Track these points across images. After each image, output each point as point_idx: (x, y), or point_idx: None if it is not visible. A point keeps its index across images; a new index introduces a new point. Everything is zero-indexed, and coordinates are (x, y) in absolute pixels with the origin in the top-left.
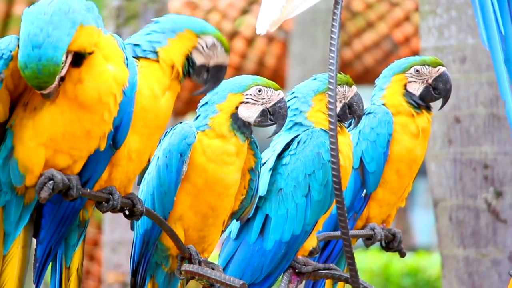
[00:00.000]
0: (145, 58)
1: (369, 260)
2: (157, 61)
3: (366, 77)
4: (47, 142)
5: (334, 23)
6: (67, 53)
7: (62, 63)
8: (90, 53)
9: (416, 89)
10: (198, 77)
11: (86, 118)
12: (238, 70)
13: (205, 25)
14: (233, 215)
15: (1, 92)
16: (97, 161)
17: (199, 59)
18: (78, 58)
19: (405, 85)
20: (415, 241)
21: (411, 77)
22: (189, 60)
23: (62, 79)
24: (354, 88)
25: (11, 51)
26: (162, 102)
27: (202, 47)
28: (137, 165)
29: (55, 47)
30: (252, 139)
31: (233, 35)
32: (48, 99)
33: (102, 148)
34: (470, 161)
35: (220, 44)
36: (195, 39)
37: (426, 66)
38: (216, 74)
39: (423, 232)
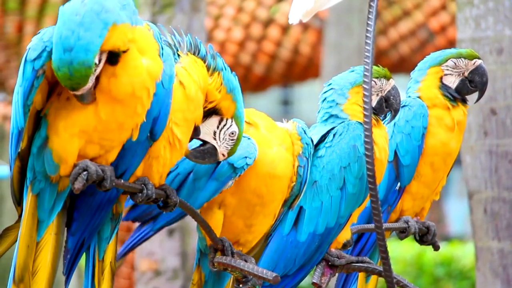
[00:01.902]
0: (193, 54)
1: (402, 250)
2: (204, 60)
3: (402, 66)
4: (80, 132)
5: (370, 16)
6: (101, 53)
7: (95, 65)
8: (124, 51)
9: (452, 82)
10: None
11: (119, 111)
12: (273, 58)
13: (243, 119)
14: (285, 203)
15: (42, 82)
16: (133, 153)
17: (210, 125)
18: (114, 56)
19: (441, 78)
20: (448, 230)
21: (447, 69)
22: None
23: (97, 78)
24: (392, 82)
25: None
26: (202, 97)
27: (224, 125)
28: (179, 155)
29: (87, 50)
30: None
31: (268, 22)
32: (82, 101)
33: (134, 138)
34: (505, 153)
35: (234, 141)
36: (230, 114)
37: (462, 59)
38: (205, 153)
39: (457, 222)
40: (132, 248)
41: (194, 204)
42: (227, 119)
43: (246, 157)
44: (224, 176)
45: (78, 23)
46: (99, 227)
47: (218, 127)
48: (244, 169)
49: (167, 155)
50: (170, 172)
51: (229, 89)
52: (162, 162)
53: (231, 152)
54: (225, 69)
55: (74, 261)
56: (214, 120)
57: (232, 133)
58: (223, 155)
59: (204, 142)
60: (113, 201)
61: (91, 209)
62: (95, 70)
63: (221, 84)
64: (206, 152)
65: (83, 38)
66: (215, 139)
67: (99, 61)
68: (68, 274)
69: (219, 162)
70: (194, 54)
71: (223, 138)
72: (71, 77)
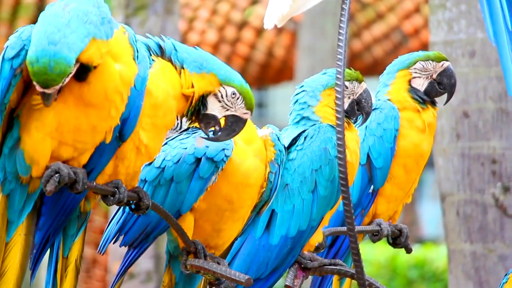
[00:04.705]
0: (161, 56)
1: (376, 252)
2: (176, 68)
3: (375, 69)
4: (52, 134)
5: (342, 19)
6: (76, 61)
7: (72, 68)
8: (95, 67)
9: (421, 84)
10: (205, 125)
11: (92, 114)
12: (247, 61)
13: (230, 75)
14: (254, 208)
15: (19, 81)
16: (101, 153)
17: (213, 106)
18: (84, 71)
19: (409, 81)
20: (422, 233)
21: (416, 72)
22: (202, 101)
23: (60, 88)
24: (364, 85)
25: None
26: (173, 103)
27: (222, 95)
28: (145, 159)
29: (70, 48)
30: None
31: (242, 25)
32: (46, 102)
33: (107, 141)
34: (478, 156)
35: (241, 97)
36: (217, 85)
37: (430, 61)
38: (231, 125)
39: (431, 224)
40: (130, 265)
41: (183, 208)
42: (218, 90)
43: (223, 149)
44: (208, 173)
45: (64, 24)
46: (65, 224)
47: (219, 101)
48: (225, 161)
49: (133, 158)
50: (157, 186)
51: (198, 70)
52: (127, 164)
53: (248, 106)
54: (176, 50)
55: (39, 256)
56: (210, 100)
57: (233, 94)
58: (244, 113)
59: (225, 118)
60: (81, 198)
61: (58, 205)
62: (67, 76)
63: (191, 82)
64: (231, 125)
65: (69, 37)
66: (228, 109)
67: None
68: (34, 268)
69: (198, 162)
70: (161, 56)
71: (232, 103)
72: (48, 71)
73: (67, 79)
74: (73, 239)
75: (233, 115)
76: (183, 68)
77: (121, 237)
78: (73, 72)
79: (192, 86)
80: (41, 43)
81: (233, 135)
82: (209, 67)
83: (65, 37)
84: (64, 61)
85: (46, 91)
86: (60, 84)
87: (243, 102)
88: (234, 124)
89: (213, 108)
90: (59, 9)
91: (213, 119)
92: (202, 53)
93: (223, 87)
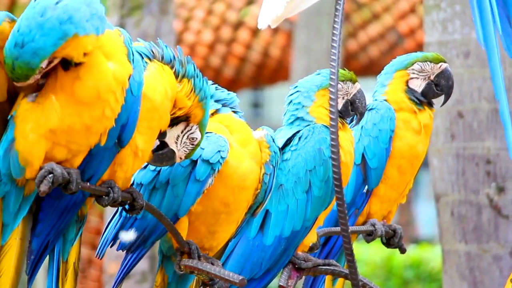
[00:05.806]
0: (160, 61)
1: (371, 252)
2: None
3: (371, 69)
4: (47, 135)
5: (336, 19)
6: (53, 58)
7: (41, 68)
8: (77, 64)
9: (418, 85)
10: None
11: (86, 113)
12: (243, 61)
13: (206, 125)
14: (248, 210)
15: None
16: (101, 159)
17: (174, 131)
18: (67, 63)
19: (407, 82)
20: (418, 233)
21: (413, 73)
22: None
23: (45, 75)
24: (358, 85)
25: None
26: (169, 104)
27: (188, 131)
28: (141, 163)
29: (35, 54)
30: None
31: (238, 25)
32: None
33: (102, 143)
34: (472, 156)
35: (193, 147)
36: (196, 122)
37: (428, 63)
38: (164, 157)
39: (427, 224)
40: (129, 270)
41: (180, 211)
42: (192, 125)
43: (219, 151)
44: (204, 175)
45: (38, 25)
46: (65, 229)
47: (182, 132)
48: (221, 163)
49: (130, 162)
50: (153, 190)
51: (201, 98)
52: (125, 169)
53: (188, 156)
54: (197, 76)
55: (38, 262)
56: (181, 126)
57: (193, 139)
58: (180, 158)
59: (163, 145)
60: (79, 205)
61: (56, 212)
62: (40, 72)
63: (192, 91)
64: (164, 157)
65: (37, 42)
66: (176, 143)
67: (49, 63)
68: (31, 274)
69: (194, 165)
70: (160, 60)
71: (183, 142)
72: (13, 70)
73: (45, 70)
74: (72, 243)
75: (173, 151)
76: (186, 78)
77: (118, 241)
78: (53, 64)
79: (189, 99)
80: (11, 41)
81: (157, 165)
82: (207, 105)
83: (32, 41)
84: (27, 65)
85: (16, 84)
86: (31, 81)
87: (190, 150)
88: (166, 158)
89: (174, 131)
90: (50, 3)
91: (163, 137)
92: (209, 88)
93: (196, 127)
